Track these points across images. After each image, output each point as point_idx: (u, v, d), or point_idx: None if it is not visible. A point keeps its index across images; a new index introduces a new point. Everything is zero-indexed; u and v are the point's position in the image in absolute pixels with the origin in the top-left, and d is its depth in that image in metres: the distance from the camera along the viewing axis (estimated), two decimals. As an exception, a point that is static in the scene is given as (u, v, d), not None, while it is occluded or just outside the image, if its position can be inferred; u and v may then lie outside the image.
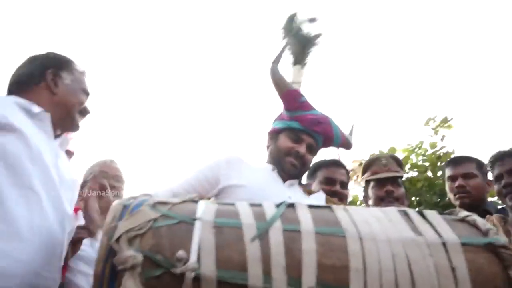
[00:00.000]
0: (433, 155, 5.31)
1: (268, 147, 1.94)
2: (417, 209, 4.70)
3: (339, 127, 1.95)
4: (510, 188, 1.80)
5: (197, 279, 0.92)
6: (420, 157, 5.38)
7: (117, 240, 0.95)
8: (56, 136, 1.50)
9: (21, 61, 1.58)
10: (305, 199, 1.75)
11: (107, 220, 1.01)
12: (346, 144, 2.00)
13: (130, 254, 0.92)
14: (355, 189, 4.84)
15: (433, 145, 5.37)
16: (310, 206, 1.13)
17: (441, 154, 5.27)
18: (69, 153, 1.65)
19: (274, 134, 1.91)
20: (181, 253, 0.94)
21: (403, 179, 2.62)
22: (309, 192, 1.90)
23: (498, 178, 1.88)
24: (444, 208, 4.58)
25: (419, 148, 5.43)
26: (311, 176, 2.47)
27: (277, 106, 2.09)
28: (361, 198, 3.33)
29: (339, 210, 1.12)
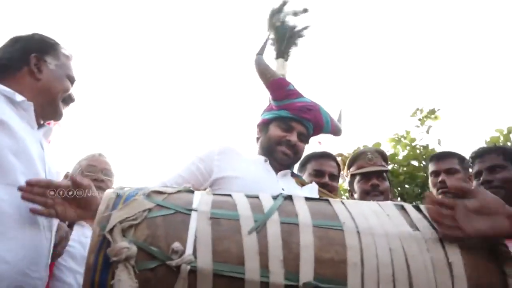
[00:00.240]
0: (416, 147, 5.37)
1: (258, 139, 1.91)
2: (398, 199, 4.79)
3: (328, 113, 1.93)
4: (488, 185, 1.83)
5: (192, 272, 0.90)
6: (405, 149, 5.43)
7: (111, 230, 0.92)
8: (39, 126, 1.42)
9: (2, 41, 1.47)
10: (298, 190, 1.74)
11: (100, 209, 0.97)
12: (336, 131, 1.98)
13: (124, 245, 0.89)
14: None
15: (413, 140, 5.44)
16: (307, 199, 1.11)
17: (423, 147, 5.33)
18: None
19: (264, 125, 1.87)
20: (177, 244, 0.91)
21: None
22: (301, 183, 1.88)
23: (477, 175, 1.91)
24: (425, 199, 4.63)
25: (405, 138, 5.48)
26: (302, 168, 2.46)
27: (264, 98, 2.06)
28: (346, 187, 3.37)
29: (336, 203, 1.11)
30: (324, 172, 2.41)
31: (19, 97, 1.32)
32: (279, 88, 1.84)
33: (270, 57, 2.27)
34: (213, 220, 0.98)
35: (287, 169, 1.82)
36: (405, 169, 5.28)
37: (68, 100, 1.51)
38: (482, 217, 0.99)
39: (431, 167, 2.50)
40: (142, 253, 0.91)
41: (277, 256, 0.93)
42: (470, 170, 2.26)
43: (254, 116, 2.04)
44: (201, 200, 1.04)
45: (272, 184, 1.65)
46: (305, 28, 2.32)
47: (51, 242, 1.35)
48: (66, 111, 1.52)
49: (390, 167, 5.24)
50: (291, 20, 2.28)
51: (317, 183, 2.22)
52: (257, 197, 1.09)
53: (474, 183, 2.04)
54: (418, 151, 5.31)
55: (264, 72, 1.88)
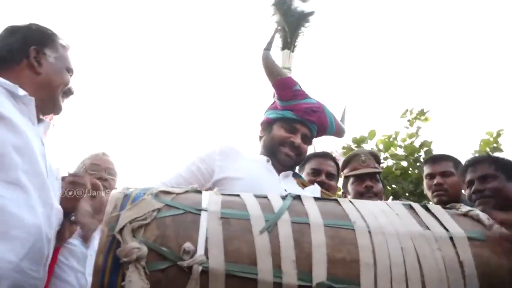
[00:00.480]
0: (412, 144, 5.39)
1: (261, 138, 1.88)
2: (391, 197, 4.81)
3: (333, 114, 1.92)
4: (479, 194, 1.85)
5: (204, 273, 0.88)
6: (398, 147, 5.46)
7: (120, 230, 0.90)
8: (38, 121, 1.38)
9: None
10: (300, 192, 1.72)
11: (108, 210, 0.95)
12: (339, 132, 1.98)
13: (135, 245, 0.87)
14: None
15: (411, 135, 5.45)
16: (316, 199, 1.11)
17: (420, 143, 5.36)
18: None
19: (268, 125, 1.85)
20: (188, 245, 0.90)
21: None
22: (303, 184, 1.87)
23: (469, 184, 1.93)
24: (419, 196, 4.69)
25: (395, 139, 5.51)
26: (301, 168, 2.46)
27: (268, 95, 2.04)
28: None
29: (345, 202, 1.10)
30: (321, 170, 2.42)
31: (21, 91, 1.28)
32: (285, 88, 1.81)
33: (276, 48, 2.24)
34: (223, 220, 0.97)
35: (289, 170, 1.81)
36: (401, 164, 5.30)
37: (68, 93, 1.47)
38: None
39: (426, 170, 2.51)
40: (152, 254, 0.89)
41: (290, 256, 0.92)
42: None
43: (258, 113, 2.03)
44: (210, 200, 1.02)
45: (274, 185, 1.64)
46: (311, 13, 2.31)
47: (51, 242, 1.32)
48: (66, 104, 1.49)
49: (385, 164, 5.29)
50: (299, 6, 2.27)
51: (314, 181, 2.22)
52: (266, 197, 1.08)
53: (467, 191, 2.07)
54: (411, 150, 5.34)
55: (271, 69, 1.86)
